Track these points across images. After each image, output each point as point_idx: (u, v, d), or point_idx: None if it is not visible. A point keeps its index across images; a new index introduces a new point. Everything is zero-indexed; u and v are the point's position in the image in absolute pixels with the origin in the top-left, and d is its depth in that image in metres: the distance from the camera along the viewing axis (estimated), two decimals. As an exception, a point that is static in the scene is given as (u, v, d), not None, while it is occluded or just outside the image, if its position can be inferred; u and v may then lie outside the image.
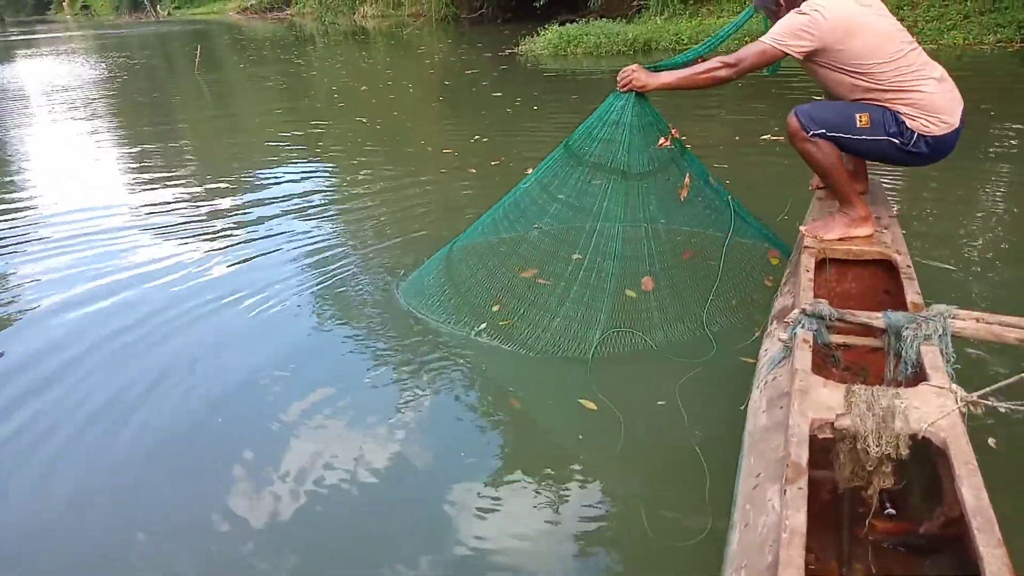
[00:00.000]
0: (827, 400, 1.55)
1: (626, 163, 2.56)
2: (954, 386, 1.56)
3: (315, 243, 3.95)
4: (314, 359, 2.80)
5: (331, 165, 5.85)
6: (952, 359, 1.69)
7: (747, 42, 2.43)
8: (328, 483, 2.11)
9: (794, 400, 1.57)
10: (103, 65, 15.98)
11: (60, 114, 9.35)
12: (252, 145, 7.03)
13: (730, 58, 2.36)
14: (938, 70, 2.36)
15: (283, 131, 7.42)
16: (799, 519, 1.27)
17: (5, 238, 4.40)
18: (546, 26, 12.54)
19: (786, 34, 2.30)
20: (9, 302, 3.47)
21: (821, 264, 2.36)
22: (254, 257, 3.81)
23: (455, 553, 1.86)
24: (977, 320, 1.75)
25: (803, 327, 1.90)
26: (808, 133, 2.34)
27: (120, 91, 11.68)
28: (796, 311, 1.95)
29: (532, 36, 12.37)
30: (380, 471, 2.16)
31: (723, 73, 2.36)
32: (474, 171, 5.18)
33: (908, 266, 2.23)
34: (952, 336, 1.73)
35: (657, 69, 2.53)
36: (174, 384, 2.66)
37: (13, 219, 4.81)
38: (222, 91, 11.65)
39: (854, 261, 2.39)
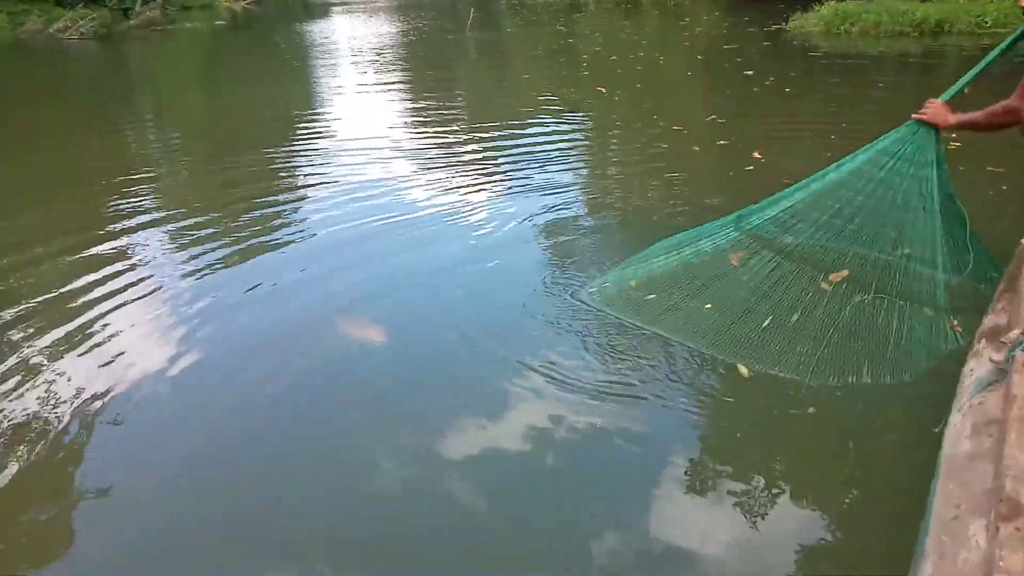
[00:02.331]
0: None
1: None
2: None
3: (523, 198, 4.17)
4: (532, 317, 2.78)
5: (556, 130, 5.98)
6: None
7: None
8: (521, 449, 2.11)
9: (1011, 430, 1.41)
10: (398, 23, 17.87)
11: (360, 63, 10.90)
12: (498, 103, 7.51)
13: (1013, 102, 2.26)
14: None
15: (524, 94, 7.79)
16: (1015, 562, 1.16)
17: (305, 162, 5.41)
18: (824, 0, 11.52)
19: None
20: (303, 217, 4.17)
21: None
22: (495, 199, 4.22)
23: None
24: None
25: (1023, 350, 1.66)
26: None
27: (408, 46, 13.10)
28: (1017, 331, 1.73)
29: (807, 11, 11.45)
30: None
31: (1007, 119, 2.28)
32: (697, 149, 5.05)
33: None
34: None
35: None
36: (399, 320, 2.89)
37: (316, 146, 5.90)
38: (488, 51, 12.48)
39: None
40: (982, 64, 2.44)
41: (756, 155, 4.56)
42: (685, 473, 2.00)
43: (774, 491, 1.93)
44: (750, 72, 8.10)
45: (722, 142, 5.13)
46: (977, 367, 1.88)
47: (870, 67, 8.52)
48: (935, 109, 2.44)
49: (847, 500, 1.88)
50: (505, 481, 2.03)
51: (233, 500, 1.99)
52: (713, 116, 6.00)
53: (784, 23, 11.61)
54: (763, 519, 1.85)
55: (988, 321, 2.09)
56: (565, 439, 2.13)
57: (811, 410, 2.17)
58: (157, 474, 2.09)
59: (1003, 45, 2.45)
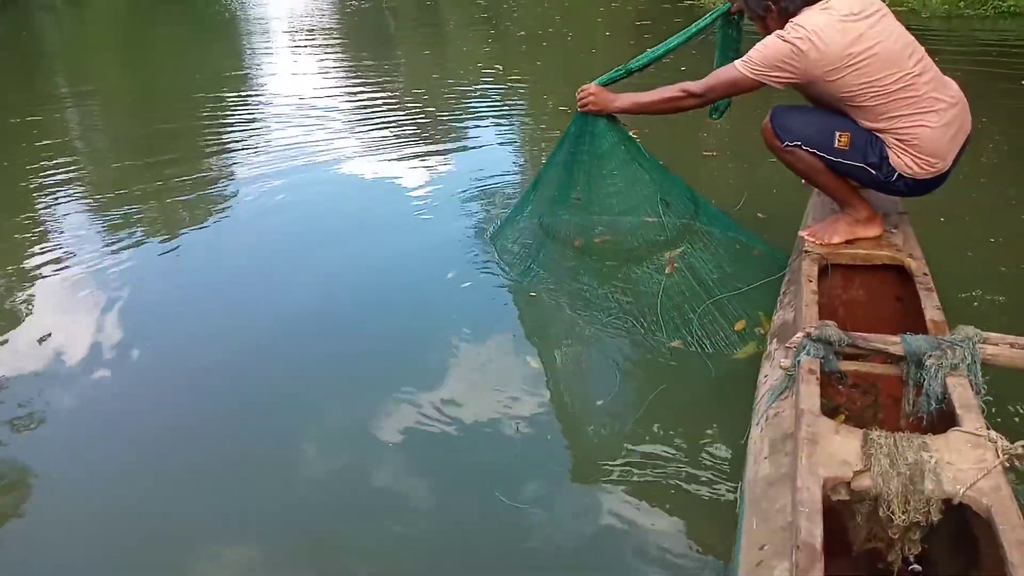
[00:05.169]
0: (841, 451, 1.29)
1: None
2: (992, 434, 1.28)
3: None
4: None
5: (432, 111, 5.79)
6: (983, 392, 1.44)
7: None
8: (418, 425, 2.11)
9: (802, 452, 1.30)
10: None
11: (295, 38, 10.69)
12: (393, 80, 7.26)
13: (696, 86, 2.13)
14: (949, 91, 1.98)
15: (419, 73, 7.61)
16: None
17: (235, 130, 5.33)
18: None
19: (765, 63, 2.00)
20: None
21: (824, 269, 2.08)
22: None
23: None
24: (1012, 345, 1.48)
25: (808, 354, 1.59)
26: (782, 144, 2.12)
27: (344, 22, 12.74)
28: (800, 334, 1.64)
29: (720, -16, 11.43)
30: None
31: (687, 103, 2.17)
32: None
33: (925, 274, 1.91)
34: (981, 364, 1.47)
35: (612, 80, 2.36)
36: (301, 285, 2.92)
37: (245, 114, 5.87)
38: (402, 25, 12.22)
39: (861, 266, 2.09)
40: (656, 51, 2.38)
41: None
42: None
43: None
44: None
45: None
46: (771, 373, 1.78)
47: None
48: (595, 97, 2.31)
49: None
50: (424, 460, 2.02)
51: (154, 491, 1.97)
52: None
53: (697, -3, 11.57)
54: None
55: (777, 318, 2.05)
56: (484, 415, 2.13)
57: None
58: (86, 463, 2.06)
59: (690, 30, 2.45)
